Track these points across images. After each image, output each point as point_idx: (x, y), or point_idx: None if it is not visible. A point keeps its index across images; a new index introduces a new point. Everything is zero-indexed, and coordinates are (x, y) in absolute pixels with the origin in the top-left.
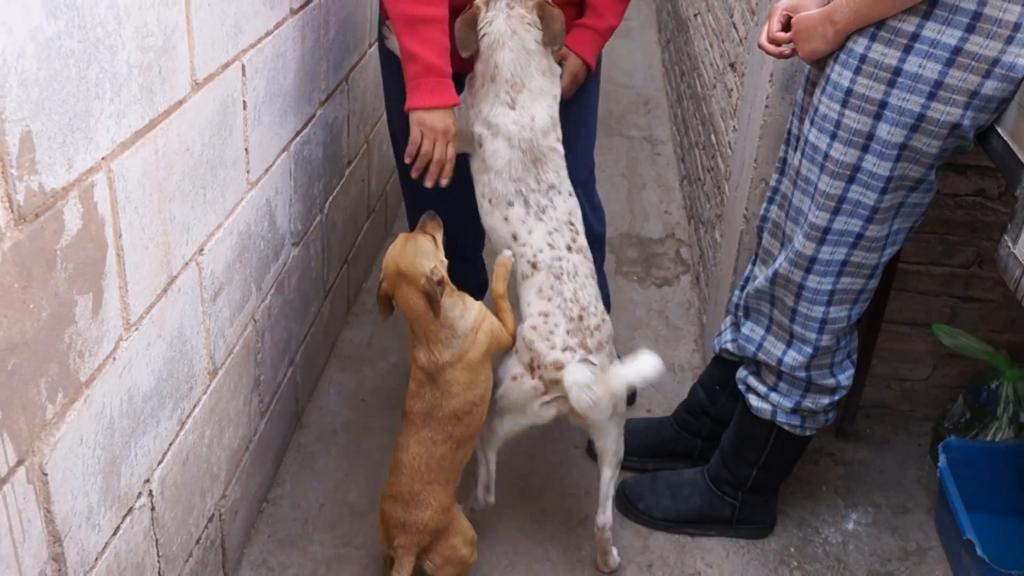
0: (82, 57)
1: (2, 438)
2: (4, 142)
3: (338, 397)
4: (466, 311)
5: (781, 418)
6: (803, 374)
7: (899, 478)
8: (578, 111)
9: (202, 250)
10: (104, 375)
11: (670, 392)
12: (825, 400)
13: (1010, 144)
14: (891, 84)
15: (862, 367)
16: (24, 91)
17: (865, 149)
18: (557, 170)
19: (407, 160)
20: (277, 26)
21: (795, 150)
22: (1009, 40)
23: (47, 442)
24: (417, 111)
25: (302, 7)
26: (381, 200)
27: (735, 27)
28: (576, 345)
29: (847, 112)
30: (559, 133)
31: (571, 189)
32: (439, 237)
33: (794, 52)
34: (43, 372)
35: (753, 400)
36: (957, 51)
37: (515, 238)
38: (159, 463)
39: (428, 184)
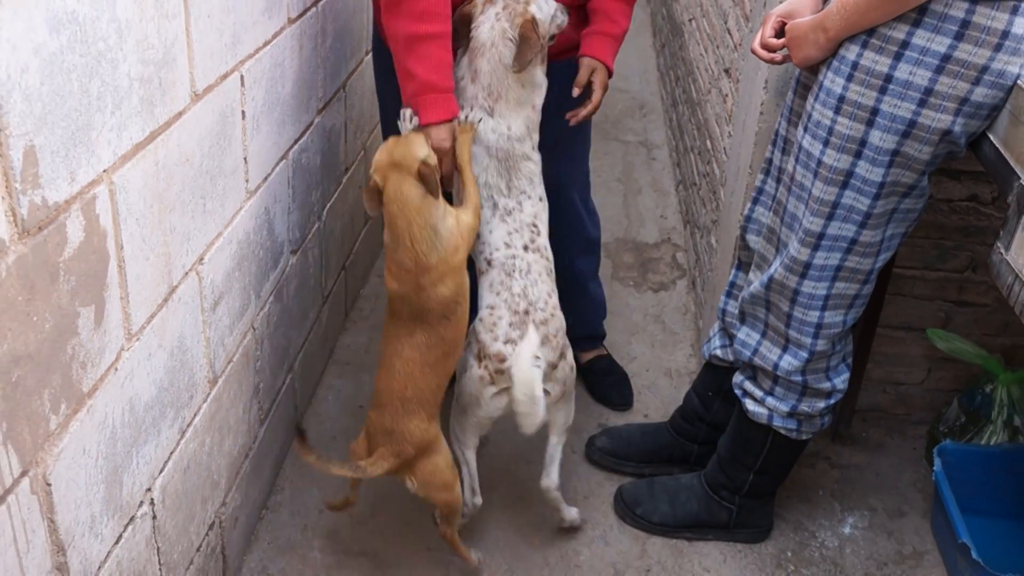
0: (84, 71)
1: (7, 449)
2: (8, 157)
3: (336, 403)
4: (446, 213)
5: (777, 422)
6: (799, 378)
7: (895, 481)
8: (565, 110)
9: (202, 259)
10: (106, 385)
11: (667, 397)
12: (821, 404)
13: (1002, 151)
14: (882, 91)
15: (857, 371)
16: (28, 106)
17: (858, 155)
18: (530, 176)
19: None
20: (275, 36)
21: (783, 153)
22: (998, 48)
23: (50, 453)
24: (423, 127)
25: (299, 16)
26: None
27: (730, 33)
28: (519, 338)
29: (840, 119)
30: (535, 140)
31: (542, 194)
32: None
33: (786, 59)
34: (46, 383)
35: (749, 404)
36: (947, 58)
37: (479, 236)
38: (160, 471)
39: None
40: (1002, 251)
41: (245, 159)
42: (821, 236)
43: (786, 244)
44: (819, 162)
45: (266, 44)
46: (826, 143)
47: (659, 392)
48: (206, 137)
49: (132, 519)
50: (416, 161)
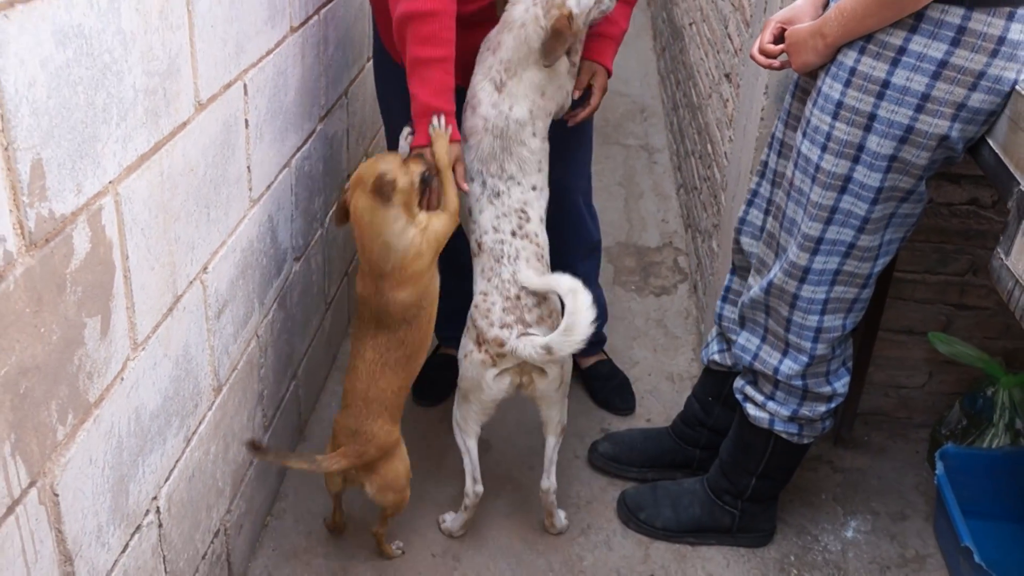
0: (90, 84)
1: (15, 461)
2: (16, 170)
3: (337, 410)
4: (407, 226)
5: (779, 427)
6: (799, 383)
7: (897, 485)
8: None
9: (206, 268)
10: (112, 395)
11: (669, 402)
12: (822, 408)
13: (1001, 157)
14: (880, 96)
15: (859, 375)
16: (35, 120)
17: (856, 160)
18: (521, 163)
19: None
20: (278, 44)
21: (780, 156)
22: (994, 53)
23: (58, 463)
24: (419, 148)
25: (302, 25)
26: None
27: (730, 38)
28: (513, 322)
29: (838, 124)
30: (537, 128)
31: (537, 183)
32: (417, 170)
33: (785, 65)
34: (54, 394)
35: (751, 409)
36: (943, 64)
37: (470, 212)
38: (166, 480)
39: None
40: (1002, 256)
41: (248, 168)
42: (820, 240)
43: (785, 249)
44: (817, 167)
45: (269, 53)
46: (824, 148)
47: (661, 397)
48: (210, 146)
49: (138, 528)
50: (372, 177)
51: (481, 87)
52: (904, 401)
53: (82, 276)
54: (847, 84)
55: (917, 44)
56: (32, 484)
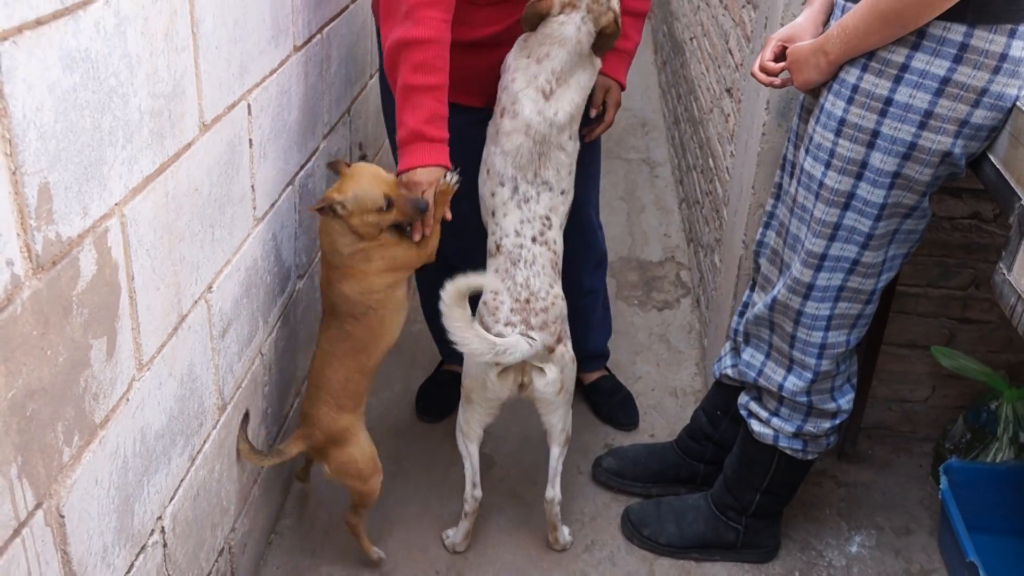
0: (96, 107)
1: (21, 483)
2: (23, 194)
3: None
4: (355, 243)
5: (783, 443)
6: (804, 399)
7: (902, 499)
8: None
9: (211, 288)
10: (118, 416)
11: (673, 416)
12: (826, 424)
13: (1002, 172)
14: (883, 114)
15: (862, 389)
16: (42, 144)
17: (859, 177)
18: (558, 168)
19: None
20: (281, 64)
21: (791, 177)
22: (996, 70)
23: (64, 484)
24: (402, 174)
25: (305, 44)
26: None
27: (731, 53)
28: (519, 322)
29: (841, 141)
30: (574, 130)
31: (567, 187)
32: (394, 214)
33: (786, 83)
34: (60, 416)
35: (755, 425)
36: (946, 81)
37: (493, 214)
38: (171, 500)
39: (426, 233)
40: (1004, 272)
41: (252, 187)
42: (823, 257)
43: (789, 265)
44: (821, 184)
45: (272, 72)
46: (828, 165)
47: (665, 412)
48: (214, 167)
49: (143, 548)
50: (343, 193)
51: (525, 95)
52: (908, 415)
53: (88, 298)
54: (850, 101)
55: (919, 61)
56: (38, 506)
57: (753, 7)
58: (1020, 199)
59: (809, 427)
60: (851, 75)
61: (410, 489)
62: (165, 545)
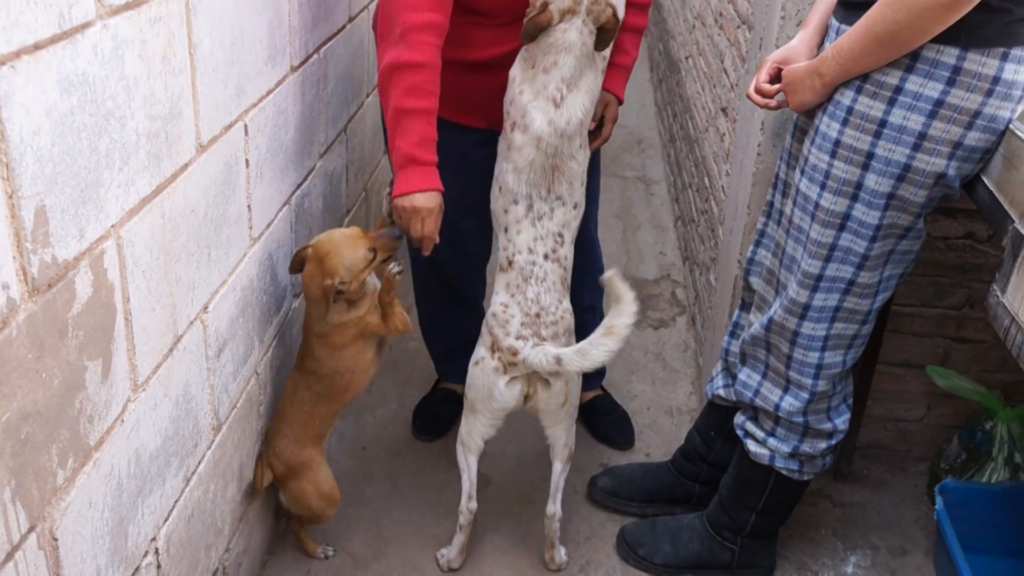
0: (93, 130)
1: (15, 506)
2: (20, 217)
3: (339, 445)
4: (342, 314)
5: (779, 463)
6: (800, 419)
7: (897, 519)
8: None
9: (206, 308)
10: (112, 438)
11: (668, 435)
12: (822, 444)
13: (996, 194)
14: (877, 135)
15: (858, 408)
16: (39, 167)
17: (854, 198)
18: (571, 180)
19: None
20: (278, 84)
21: (784, 196)
22: (989, 93)
23: (57, 507)
24: (397, 198)
25: (302, 64)
26: None
27: (726, 73)
28: (530, 335)
29: (836, 162)
30: (584, 137)
31: (577, 200)
32: (382, 255)
33: (781, 104)
34: (54, 439)
35: (751, 445)
36: (939, 103)
37: (506, 231)
38: (165, 521)
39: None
40: (998, 294)
41: (249, 207)
42: (819, 278)
43: (785, 286)
44: (816, 205)
45: (269, 93)
46: (823, 186)
47: (660, 430)
48: (211, 187)
49: (137, 569)
50: (329, 279)
51: (534, 106)
52: (903, 434)
53: (84, 320)
54: (845, 123)
55: (913, 84)
56: (32, 529)
57: (748, 28)
58: (1013, 221)
59: (805, 447)
60: (846, 97)
61: (406, 509)
62: (159, 567)
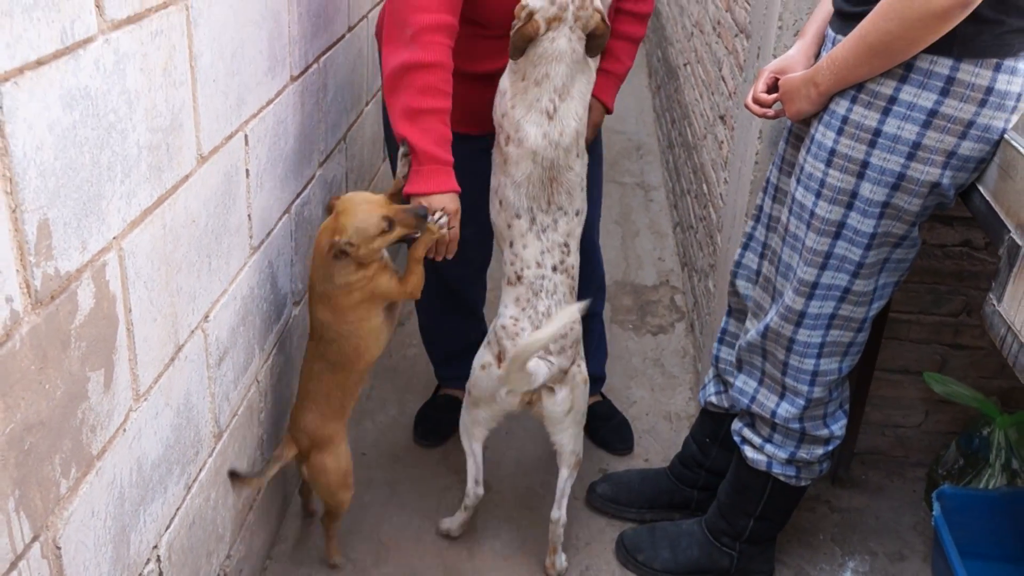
0: (95, 144)
1: (19, 516)
2: (23, 231)
3: None
4: (349, 272)
5: (776, 469)
6: (797, 426)
7: (895, 524)
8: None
9: (207, 317)
10: (115, 447)
11: (667, 441)
12: (819, 450)
13: (992, 204)
14: (872, 145)
15: (856, 414)
16: (42, 181)
17: (849, 207)
18: (570, 190)
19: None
20: (278, 94)
21: (775, 202)
22: (983, 103)
23: (61, 516)
24: (415, 197)
25: (301, 74)
26: None
27: (724, 81)
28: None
29: (831, 171)
30: (581, 147)
31: (580, 207)
32: (398, 230)
33: (779, 114)
34: (57, 449)
35: (748, 452)
36: (933, 113)
37: (511, 245)
38: (167, 528)
39: (437, 258)
40: (994, 303)
41: (249, 216)
42: (815, 285)
43: (781, 293)
44: (812, 213)
45: (269, 103)
46: (818, 195)
47: (659, 436)
48: (211, 198)
49: None
50: (343, 231)
51: (528, 120)
52: (901, 440)
53: (86, 331)
54: (840, 132)
55: (907, 94)
56: (35, 539)
57: (746, 37)
58: (1009, 231)
59: (802, 453)
60: (841, 106)
61: (406, 514)
62: (161, 574)
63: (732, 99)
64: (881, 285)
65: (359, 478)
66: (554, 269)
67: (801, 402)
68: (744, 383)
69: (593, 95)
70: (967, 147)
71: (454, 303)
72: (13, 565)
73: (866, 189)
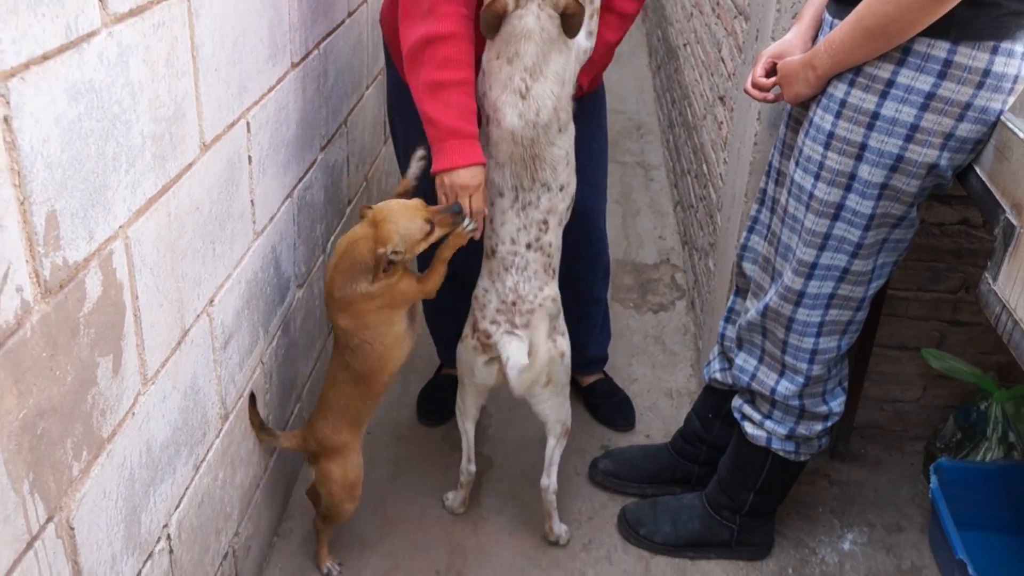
0: (100, 135)
1: (33, 498)
2: (32, 223)
3: None
4: (367, 285)
5: (776, 445)
6: (796, 402)
7: (893, 497)
8: (589, 141)
9: (212, 302)
10: (124, 430)
11: (668, 417)
12: (818, 427)
13: (988, 184)
14: (870, 127)
15: (855, 389)
16: (49, 174)
17: (848, 189)
18: (554, 164)
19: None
20: (279, 81)
21: (778, 184)
22: (980, 85)
23: (73, 498)
24: (442, 173)
25: (302, 60)
26: None
27: (723, 62)
28: (503, 321)
29: (830, 154)
30: (562, 121)
31: (563, 183)
32: (439, 231)
33: (778, 98)
34: (69, 433)
35: (749, 428)
36: (931, 96)
37: (491, 221)
38: (176, 508)
39: (476, 236)
40: (990, 281)
41: (252, 202)
42: (814, 266)
43: (781, 273)
44: (811, 195)
45: (271, 90)
46: (817, 177)
47: (660, 413)
48: (215, 185)
49: (150, 555)
50: (389, 241)
51: (503, 101)
52: (899, 415)
53: (94, 318)
54: (838, 115)
55: (905, 77)
56: (50, 519)
57: (745, 19)
58: (1005, 211)
59: (801, 430)
60: (839, 90)
61: (410, 491)
62: (171, 552)
63: (731, 80)
64: (880, 265)
65: (364, 457)
66: (528, 247)
67: (800, 380)
68: (744, 361)
69: None
70: (964, 129)
71: (457, 287)
72: (29, 545)
73: (864, 171)
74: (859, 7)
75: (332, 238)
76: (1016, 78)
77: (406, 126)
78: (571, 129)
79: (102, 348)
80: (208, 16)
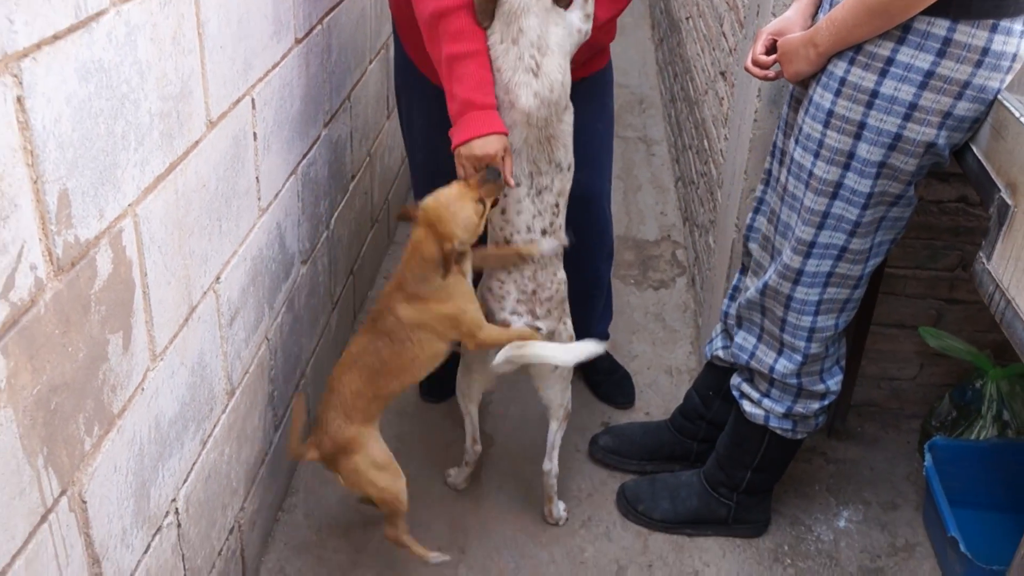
0: (110, 114)
1: (47, 472)
2: (44, 202)
3: None
4: (444, 289)
5: (774, 423)
6: (794, 381)
7: (889, 475)
8: (594, 123)
9: (219, 278)
10: (134, 405)
11: (668, 395)
12: (815, 405)
13: (984, 163)
14: (869, 106)
15: (852, 368)
16: (61, 153)
17: (846, 167)
18: (565, 143)
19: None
20: (283, 57)
21: (781, 164)
22: (978, 64)
23: (85, 472)
24: (462, 145)
25: (306, 36)
26: (384, 210)
27: (725, 36)
28: (525, 312)
29: (829, 132)
30: (567, 98)
31: (570, 162)
32: (489, 203)
33: (778, 75)
34: (81, 408)
35: (747, 406)
36: (930, 75)
37: (503, 212)
38: (184, 482)
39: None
40: (984, 260)
41: (257, 178)
42: (812, 244)
43: (780, 252)
44: (810, 173)
45: (275, 67)
46: (816, 155)
47: (660, 390)
48: (221, 162)
49: (159, 529)
50: (452, 237)
51: (516, 82)
52: (896, 393)
53: (105, 296)
54: (837, 94)
55: (904, 55)
56: (63, 493)
57: None
58: (1000, 190)
59: (799, 408)
60: (839, 68)
61: (413, 468)
62: (179, 526)
63: (733, 55)
64: (877, 243)
65: None
66: (543, 233)
67: (798, 358)
68: (743, 339)
69: None
70: (963, 107)
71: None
72: (44, 518)
73: (863, 150)
74: None
75: (335, 214)
76: (1015, 56)
77: (411, 103)
78: (571, 109)
79: (112, 325)
80: None
